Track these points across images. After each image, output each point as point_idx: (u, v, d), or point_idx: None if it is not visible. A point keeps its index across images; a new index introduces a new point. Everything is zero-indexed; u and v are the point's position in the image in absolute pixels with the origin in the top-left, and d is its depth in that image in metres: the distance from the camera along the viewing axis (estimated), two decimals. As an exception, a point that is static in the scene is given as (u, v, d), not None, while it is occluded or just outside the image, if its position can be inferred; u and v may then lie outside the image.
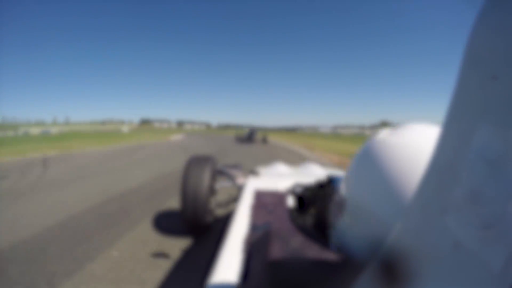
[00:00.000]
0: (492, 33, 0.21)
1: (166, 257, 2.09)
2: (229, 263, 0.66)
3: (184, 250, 2.15)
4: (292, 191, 1.49)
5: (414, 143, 0.48)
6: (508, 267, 0.17)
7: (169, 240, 2.25)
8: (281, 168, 2.30)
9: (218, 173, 2.44)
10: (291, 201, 1.28)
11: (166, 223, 2.58)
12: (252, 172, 1.84)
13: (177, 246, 2.15)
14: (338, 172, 1.61)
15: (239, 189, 2.33)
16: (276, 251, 0.51)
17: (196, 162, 2.25)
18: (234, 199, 2.40)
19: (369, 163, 0.51)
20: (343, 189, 0.58)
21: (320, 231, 0.95)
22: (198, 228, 2.24)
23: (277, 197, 1.23)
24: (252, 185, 1.47)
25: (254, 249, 0.66)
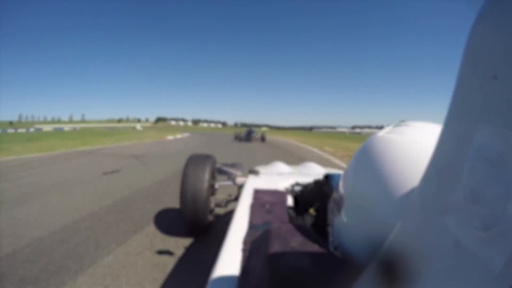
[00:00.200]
0: (492, 32, 0.21)
1: (170, 254, 2.13)
2: (229, 262, 0.66)
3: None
4: (291, 190, 1.49)
5: (414, 141, 0.48)
6: (508, 267, 0.17)
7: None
8: (280, 167, 2.30)
9: (217, 172, 2.44)
10: (290, 200, 1.28)
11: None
12: (252, 171, 1.84)
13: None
14: (337, 171, 1.61)
15: (239, 188, 2.33)
16: (276, 250, 0.51)
17: (195, 161, 2.24)
18: (234, 198, 2.40)
19: (368, 160, 0.51)
20: (341, 186, 0.58)
21: (319, 230, 0.96)
22: (198, 227, 2.23)
23: (277, 196, 1.23)
24: (251, 184, 1.47)
25: (254, 248, 0.66)
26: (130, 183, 4.43)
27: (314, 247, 0.53)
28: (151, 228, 2.61)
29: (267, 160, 3.63)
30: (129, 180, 4.64)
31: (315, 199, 1.19)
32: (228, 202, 2.52)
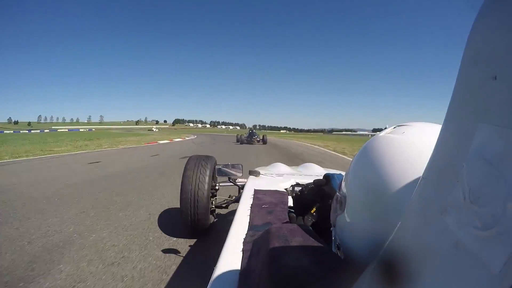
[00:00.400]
0: (492, 32, 0.21)
1: (176, 252, 2.17)
2: (229, 262, 0.66)
3: None
4: (292, 191, 1.49)
5: (415, 140, 0.48)
6: (508, 267, 0.17)
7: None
8: (280, 168, 2.31)
9: (218, 173, 2.44)
10: (291, 201, 1.28)
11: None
12: (252, 172, 1.84)
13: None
14: (337, 171, 1.61)
15: (239, 189, 2.34)
16: (276, 251, 0.51)
17: (196, 162, 2.24)
18: (234, 199, 2.40)
19: (369, 160, 0.51)
20: (343, 186, 0.58)
21: (320, 230, 0.95)
22: (199, 228, 2.23)
23: (277, 197, 1.23)
24: (252, 185, 1.48)
25: (254, 248, 0.66)
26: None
27: (315, 247, 0.53)
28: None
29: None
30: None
31: (315, 199, 1.18)
32: (228, 203, 2.52)
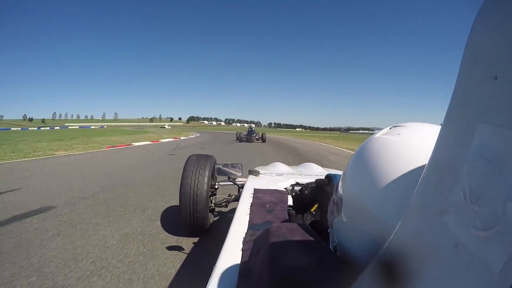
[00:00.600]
0: (492, 32, 0.21)
1: (180, 249, 2.19)
2: (229, 262, 0.66)
3: None
4: (291, 190, 1.49)
5: (410, 141, 0.48)
6: (508, 267, 0.17)
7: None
8: (280, 168, 2.31)
9: (217, 172, 2.44)
10: (290, 200, 1.28)
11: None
12: (252, 171, 1.84)
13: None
14: (337, 172, 1.61)
15: (239, 188, 2.34)
16: (276, 250, 0.51)
17: (195, 161, 2.24)
18: (234, 198, 2.40)
19: (366, 161, 0.51)
20: (340, 187, 0.58)
21: (319, 230, 0.96)
22: (198, 228, 2.24)
23: (277, 196, 1.23)
24: (251, 184, 1.47)
25: (254, 248, 0.67)
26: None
27: (314, 247, 0.53)
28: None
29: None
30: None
31: (316, 199, 1.19)
32: (228, 202, 2.52)
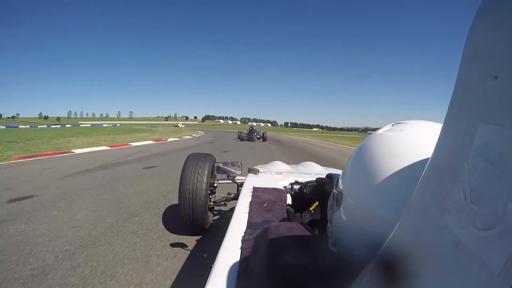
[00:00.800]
0: (491, 32, 0.21)
1: (183, 246, 2.20)
2: (228, 260, 0.66)
3: None
4: (291, 189, 1.50)
5: (411, 138, 0.48)
6: (508, 267, 0.17)
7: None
8: (280, 166, 2.31)
9: (217, 171, 2.44)
10: (289, 199, 1.28)
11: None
12: (251, 170, 1.84)
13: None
14: (338, 171, 1.61)
15: (238, 187, 2.34)
16: (275, 249, 0.51)
17: (194, 159, 2.24)
18: (233, 196, 2.40)
19: (366, 157, 0.51)
20: (340, 184, 0.58)
21: (319, 229, 0.96)
22: (197, 226, 2.24)
23: (276, 194, 1.23)
24: (251, 183, 1.47)
25: (253, 246, 0.67)
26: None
27: (313, 246, 0.53)
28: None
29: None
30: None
31: (315, 197, 1.19)
32: (227, 200, 2.52)
